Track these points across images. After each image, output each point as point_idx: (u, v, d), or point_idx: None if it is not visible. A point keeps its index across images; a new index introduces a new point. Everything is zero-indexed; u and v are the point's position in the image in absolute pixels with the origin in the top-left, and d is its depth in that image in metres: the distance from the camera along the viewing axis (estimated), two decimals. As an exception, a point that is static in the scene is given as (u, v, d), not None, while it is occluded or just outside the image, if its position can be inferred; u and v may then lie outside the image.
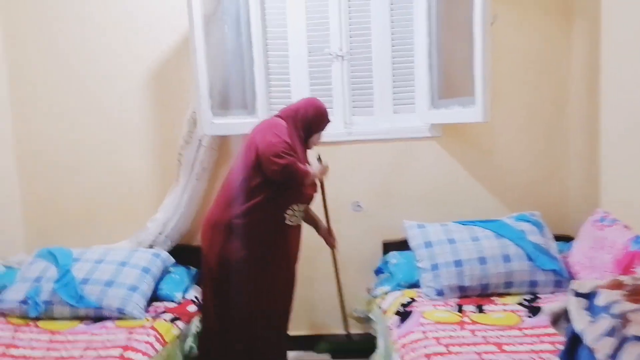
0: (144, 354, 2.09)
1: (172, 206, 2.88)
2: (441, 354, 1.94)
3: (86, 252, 2.68)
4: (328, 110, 2.54)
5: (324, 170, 2.54)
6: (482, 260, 2.51)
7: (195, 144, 2.87)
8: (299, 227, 2.53)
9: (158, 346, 2.20)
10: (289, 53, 3.04)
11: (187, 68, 2.87)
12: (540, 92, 2.91)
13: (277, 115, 2.48)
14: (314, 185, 2.53)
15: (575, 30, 2.82)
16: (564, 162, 2.94)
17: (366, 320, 2.88)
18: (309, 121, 2.46)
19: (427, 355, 1.94)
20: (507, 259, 2.51)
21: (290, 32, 3.00)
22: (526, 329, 2.13)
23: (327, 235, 2.73)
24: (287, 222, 2.42)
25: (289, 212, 2.41)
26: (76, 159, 3.04)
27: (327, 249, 2.76)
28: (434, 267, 2.55)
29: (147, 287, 2.55)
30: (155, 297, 2.63)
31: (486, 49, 2.43)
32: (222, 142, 2.96)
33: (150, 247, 2.86)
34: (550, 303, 1.66)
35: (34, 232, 3.07)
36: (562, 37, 2.86)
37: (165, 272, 2.75)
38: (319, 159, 2.55)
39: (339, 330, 2.94)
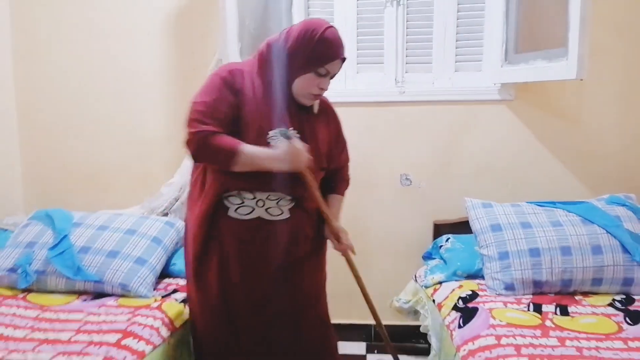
0: (148, 342, 1.69)
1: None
2: (527, 368, 1.49)
3: (89, 217, 2.29)
4: (335, 34, 1.60)
5: (294, 156, 1.55)
6: (566, 251, 2.03)
7: (220, 97, 2.43)
8: (267, 226, 1.68)
9: (165, 332, 1.81)
10: (334, -5, 2.58)
11: (214, 9, 2.44)
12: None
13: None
14: (285, 159, 1.58)
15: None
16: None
17: (411, 312, 2.44)
18: (290, 56, 1.59)
19: (508, 369, 1.49)
20: (597, 250, 2.02)
21: (337, -32, 2.53)
22: (630, 340, 1.66)
23: (333, 235, 1.80)
24: (233, 214, 1.66)
25: (233, 199, 1.66)
26: (84, 114, 2.64)
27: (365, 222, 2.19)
28: (503, 255, 2.08)
29: (156, 261, 2.16)
30: (166, 272, 2.25)
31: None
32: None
33: (165, 215, 2.46)
34: None
35: (33, 194, 2.70)
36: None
37: (179, 244, 2.34)
38: (286, 135, 1.56)
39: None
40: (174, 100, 2.60)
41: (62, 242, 2.12)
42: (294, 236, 1.72)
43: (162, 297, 2.05)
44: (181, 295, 2.06)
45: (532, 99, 2.46)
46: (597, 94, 2.42)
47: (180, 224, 2.37)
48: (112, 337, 1.66)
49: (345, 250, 1.83)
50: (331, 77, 1.66)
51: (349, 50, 2.50)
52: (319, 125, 1.73)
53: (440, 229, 2.55)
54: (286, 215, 1.69)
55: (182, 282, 2.21)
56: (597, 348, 1.60)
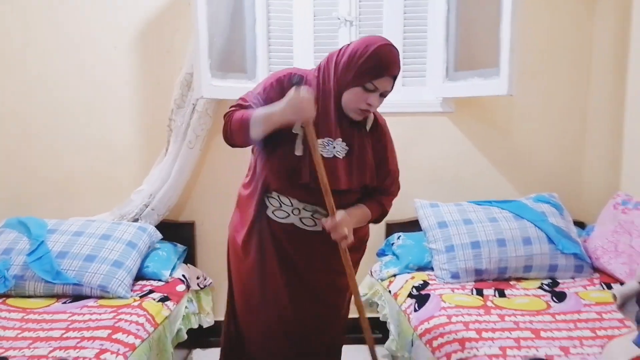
0: (136, 336, 1.82)
1: (160, 177, 2.60)
2: (474, 339, 1.76)
3: (63, 224, 2.38)
4: (387, 52, 1.55)
5: (298, 102, 1.49)
6: (501, 243, 2.35)
7: (188, 109, 2.58)
8: (300, 232, 1.69)
9: (149, 328, 1.94)
10: (292, 15, 2.79)
11: (181, 25, 2.62)
12: (563, 67, 2.76)
13: None
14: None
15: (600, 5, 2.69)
16: (581, 144, 2.81)
17: (368, 304, 2.67)
18: (342, 69, 1.59)
19: (460, 341, 1.75)
20: (527, 241, 2.35)
21: (295, -8, 2.75)
22: (557, 314, 1.98)
23: (329, 222, 1.60)
24: (271, 214, 1.70)
25: (273, 200, 1.69)
26: (53, 123, 2.69)
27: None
28: (449, 248, 2.37)
29: (132, 264, 2.27)
30: (140, 275, 2.36)
31: (515, 13, 2.24)
32: (217, 109, 2.69)
33: (135, 220, 2.57)
34: (625, 285, 1.47)
35: (2, 202, 2.70)
36: (587, 11, 2.72)
37: (151, 248, 2.47)
38: (296, 83, 1.59)
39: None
40: (140, 110, 2.71)
41: (40, 247, 2.20)
42: (326, 250, 1.69)
43: (140, 297, 2.17)
44: (158, 295, 2.20)
45: (470, 111, 2.77)
46: (525, 109, 2.77)
47: (151, 229, 2.49)
48: (103, 333, 1.78)
49: (339, 239, 1.61)
50: (382, 95, 1.61)
51: (307, 65, 2.75)
52: (368, 142, 1.69)
53: (392, 228, 2.79)
54: (319, 228, 1.67)
55: (156, 283, 2.34)
56: (530, 322, 1.90)
